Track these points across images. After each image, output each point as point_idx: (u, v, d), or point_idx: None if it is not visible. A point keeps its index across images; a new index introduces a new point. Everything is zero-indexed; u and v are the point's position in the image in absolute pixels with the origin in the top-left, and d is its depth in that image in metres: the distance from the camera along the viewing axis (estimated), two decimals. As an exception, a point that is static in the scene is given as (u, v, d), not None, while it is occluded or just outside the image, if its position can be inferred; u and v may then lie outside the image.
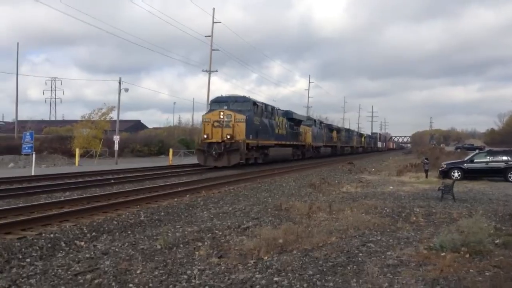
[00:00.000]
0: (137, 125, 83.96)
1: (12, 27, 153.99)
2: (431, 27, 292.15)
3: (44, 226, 9.07)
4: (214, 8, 44.02)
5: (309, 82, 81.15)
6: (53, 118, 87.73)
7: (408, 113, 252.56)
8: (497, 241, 7.19)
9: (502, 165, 20.70)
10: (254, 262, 6.25)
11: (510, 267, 5.85)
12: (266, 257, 6.47)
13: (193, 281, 5.48)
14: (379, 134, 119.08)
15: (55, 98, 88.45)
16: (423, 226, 9.02)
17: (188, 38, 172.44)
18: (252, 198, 13.83)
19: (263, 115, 29.49)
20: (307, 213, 10.20)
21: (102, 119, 43.51)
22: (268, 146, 30.12)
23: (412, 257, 6.42)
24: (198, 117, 66.46)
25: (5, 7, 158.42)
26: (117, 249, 7.16)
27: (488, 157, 21.53)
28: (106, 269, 5.96)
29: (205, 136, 26.43)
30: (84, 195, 13.44)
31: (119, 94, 37.88)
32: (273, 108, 32.29)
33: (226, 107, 27.16)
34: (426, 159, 24.64)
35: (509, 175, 20.14)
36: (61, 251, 7.38)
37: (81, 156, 35.10)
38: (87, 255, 6.78)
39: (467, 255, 6.36)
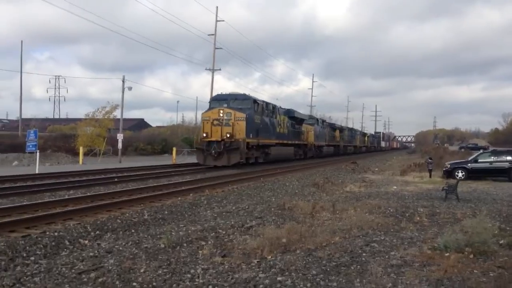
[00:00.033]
0: (140, 124, 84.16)
1: (16, 25, 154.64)
2: (435, 26, 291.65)
3: (48, 224, 9.10)
4: (217, 7, 43.81)
5: (313, 81, 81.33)
6: (57, 116, 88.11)
7: (412, 113, 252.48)
8: (501, 242, 7.16)
9: (506, 165, 20.63)
10: (257, 261, 6.25)
11: (515, 268, 5.83)
12: (270, 257, 6.47)
13: (196, 280, 5.49)
14: (383, 133, 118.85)
15: (59, 96, 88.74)
16: (427, 226, 9.00)
17: (192, 37, 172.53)
18: (255, 197, 13.84)
19: (264, 113, 29.02)
20: (311, 212, 10.20)
21: (106, 117, 43.59)
22: (269, 145, 29.69)
23: (416, 257, 6.40)
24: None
25: (9, 5, 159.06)
26: (121, 248, 7.17)
27: (492, 157, 21.47)
28: (110, 267, 5.97)
29: (204, 135, 25.97)
30: (88, 194, 13.48)
31: (123, 92, 37.99)
32: (274, 106, 31.78)
33: (226, 105, 26.72)
34: (430, 158, 24.60)
35: (513, 175, 20.06)
36: (65, 250, 7.40)
37: (85, 154, 35.17)
38: (91, 254, 6.80)
39: (471, 256, 6.34)
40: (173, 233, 8.16)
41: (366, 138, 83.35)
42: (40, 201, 11.81)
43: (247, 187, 16.46)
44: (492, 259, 6.27)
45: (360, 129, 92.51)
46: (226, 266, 6.03)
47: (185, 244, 7.33)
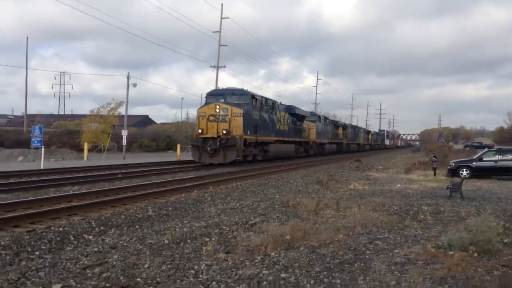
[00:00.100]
0: (145, 120, 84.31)
1: (22, 21, 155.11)
2: (441, 24, 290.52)
3: (53, 219, 9.14)
4: (222, 4, 43.82)
5: (317, 79, 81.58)
6: (62, 113, 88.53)
7: (417, 111, 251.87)
8: (505, 240, 7.14)
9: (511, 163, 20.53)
10: (261, 258, 6.25)
11: (519, 267, 5.81)
12: (273, 253, 6.47)
13: (200, 276, 5.50)
14: (387, 131, 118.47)
15: (64, 93, 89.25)
16: (431, 224, 8.97)
17: (197, 34, 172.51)
18: (259, 194, 13.84)
19: (263, 109, 28.11)
20: (315, 210, 10.19)
21: (110, 114, 43.77)
22: (268, 142, 28.85)
23: (419, 255, 6.39)
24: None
25: (15, 2, 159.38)
26: (125, 243, 7.20)
27: (497, 156, 21.37)
28: (114, 263, 6.00)
29: (200, 131, 25.04)
30: (93, 189, 13.53)
31: (127, 89, 38.11)
32: (274, 102, 30.87)
33: (222, 100, 25.75)
34: (435, 157, 24.49)
35: (518, 173, 19.99)
36: (69, 245, 7.43)
37: (90, 150, 35.30)
38: (96, 249, 6.82)
39: (476, 254, 6.32)
40: (177, 229, 8.17)
41: (370, 136, 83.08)
42: (45, 196, 11.87)
43: (251, 184, 16.47)
44: (496, 258, 6.25)
45: (364, 127, 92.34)
46: (230, 263, 6.04)
47: (189, 240, 7.34)
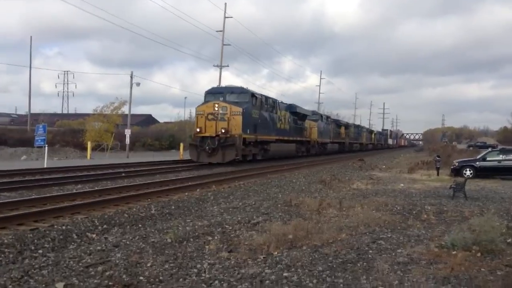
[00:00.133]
0: (148, 119, 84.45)
1: (26, 20, 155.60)
2: (445, 23, 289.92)
3: (56, 218, 9.17)
4: (225, 3, 43.82)
5: (321, 78, 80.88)
6: (65, 112, 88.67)
7: (420, 110, 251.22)
8: (509, 240, 7.11)
9: None
10: (263, 257, 6.26)
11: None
12: (276, 253, 6.47)
13: (203, 275, 5.51)
14: (390, 131, 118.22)
15: (68, 92, 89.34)
16: (434, 224, 8.96)
17: (200, 33, 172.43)
18: (262, 194, 13.84)
19: (263, 108, 27.62)
20: (317, 209, 10.18)
21: (114, 113, 43.85)
22: (268, 142, 28.42)
23: (422, 255, 6.38)
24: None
25: (20, 1, 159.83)
26: (128, 242, 7.21)
27: (501, 156, 21.29)
28: (117, 261, 6.01)
29: (198, 130, 24.55)
30: (96, 188, 13.55)
31: (131, 88, 38.12)
32: (274, 101, 30.33)
33: (222, 98, 25.28)
34: (438, 156, 24.44)
35: (522, 174, 19.91)
36: (72, 243, 7.45)
37: (93, 149, 35.38)
38: (99, 248, 6.84)
39: (479, 254, 6.30)
40: (180, 228, 8.19)
41: (372, 135, 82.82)
42: (48, 195, 11.90)
43: (254, 183, 16.47)
44: (499, 258, 6.23)
45: (367, 126, 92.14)
46: (233, 261, 6.05)
47: (191, 239, 7.35)
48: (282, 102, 33.04)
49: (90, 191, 12.70)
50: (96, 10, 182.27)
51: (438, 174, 21.78)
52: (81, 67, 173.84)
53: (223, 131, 23.85)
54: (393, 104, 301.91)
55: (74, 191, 12.99)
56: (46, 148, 24.25)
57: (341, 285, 5.16)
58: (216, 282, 5.24)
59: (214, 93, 26.39)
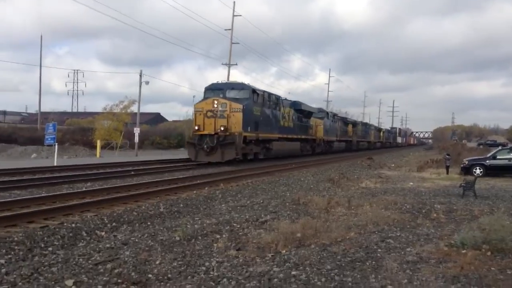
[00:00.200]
0: (157, 118, 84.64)
1: (37, 19, 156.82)
2: (455, 21, 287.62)
3: (66, 215, 9.23)
4: (234, 2, 43.79)
5: (329, 76, 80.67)
6: (75, 110, 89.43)
7: (430, 108, 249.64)
8: (519, 239, 7.05)
9: None
10: (272, 255, 6.25)
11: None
12: (284, 251, 6.47)
13: (211, 272, 5.52)
14: (399, 129, 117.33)
15: (77, 90, 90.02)
16: (443, 223, 8.90)
17: (209, 32, 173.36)
18: (270, 192, 13.83)
19: (265, 105, 26.39)
20: (326, 207, 10.16)
21: (123, 111, 44.07)
22: (270, 140, 27.25)
23: (432, 254, 6.34)
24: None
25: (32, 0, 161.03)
26: (136, 240, 7.25)
27: (511, 154, 21.11)
28: (126, 259, 6.04)
29: (196, 128, 23.47)
30: (105, 186, 13.62)
31: (140, 86, 38.35)
32: (278, 97, 29.03)
33: (221, 95, 24.10)
34: (448, 155, 24.26)
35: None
36: (82, 241, 7.49)
37: (102, 147, 35.61)
38: (108, 245, 6.88)
39: (489, 253, 6.26)
40: (188, 226, 8.21)
41: (381, 134, 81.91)
42: (58, 193, 11.99)
43: (262, 182, 16.47)
44: (510, 257, 6.17)
45: (376, 124, 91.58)
46: (241, 260, 6.05)
47: (200, 237, 7.37)
48: (286, 99, 31.95)
49: (99, 189, 12.77)
50: (107, 10, 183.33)
51: (447, 173, 21.63)
52: (91, 66, 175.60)
53: (222, 128, 22.91)
54: (402, 102, 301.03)
55: (84, 189, 13.07)
56: (56, 146, 24.45)
57: (350, 283, 5.15)
58: (225, 280, 5.25)
59: (214, 90, 25.10)
